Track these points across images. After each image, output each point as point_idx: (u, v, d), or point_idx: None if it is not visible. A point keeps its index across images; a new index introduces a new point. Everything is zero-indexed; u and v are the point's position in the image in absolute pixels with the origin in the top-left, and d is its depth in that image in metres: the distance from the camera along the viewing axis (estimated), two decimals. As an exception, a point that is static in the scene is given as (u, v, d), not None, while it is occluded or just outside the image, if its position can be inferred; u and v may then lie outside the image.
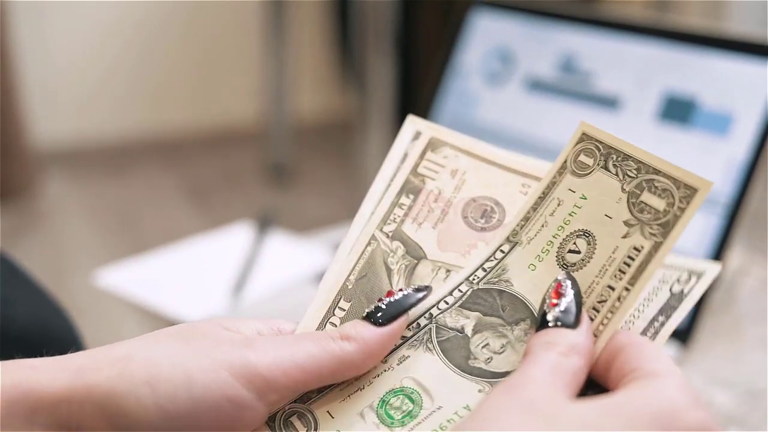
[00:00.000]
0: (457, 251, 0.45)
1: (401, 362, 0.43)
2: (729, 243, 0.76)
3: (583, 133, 0.44)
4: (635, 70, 0.83)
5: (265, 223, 1.30)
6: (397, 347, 0.43)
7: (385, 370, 0.42)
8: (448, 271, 0.44)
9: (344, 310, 0.44)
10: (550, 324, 0.38)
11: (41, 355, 0.39)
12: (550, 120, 0.87)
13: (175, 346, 0.37)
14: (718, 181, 0.77)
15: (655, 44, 0.83)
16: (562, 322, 0.38)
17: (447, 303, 0.44)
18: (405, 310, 0.42)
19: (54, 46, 2.48)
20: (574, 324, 0.38)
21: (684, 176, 0.40)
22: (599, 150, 0.43)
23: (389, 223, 0.46)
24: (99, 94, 2.57)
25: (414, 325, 0.43)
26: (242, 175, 2.35)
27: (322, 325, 0.43)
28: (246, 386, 0.37)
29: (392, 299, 0.42)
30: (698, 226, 0.77)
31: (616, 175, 0.42)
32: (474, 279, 0.44)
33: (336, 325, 0.43)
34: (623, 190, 0.42)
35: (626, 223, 0.41)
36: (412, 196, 0.46)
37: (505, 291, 0.44)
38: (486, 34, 0.94)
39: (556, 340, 0.38)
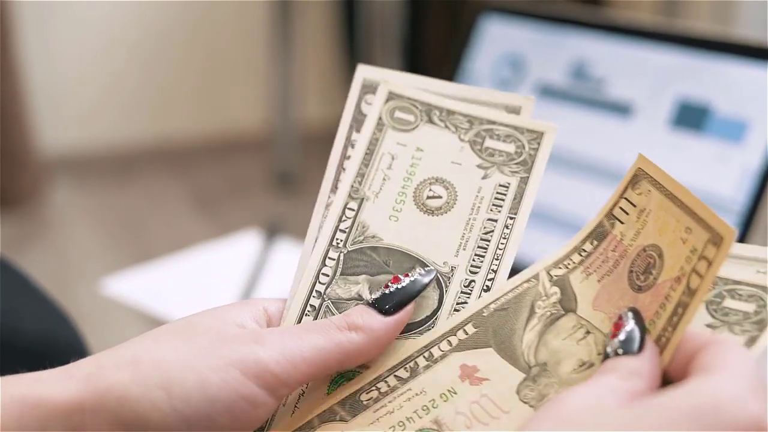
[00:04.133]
0: (607, 313, 0.40)
1: None
2: (743, 251, 0.75)
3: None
4: (648, 77, 0.83)
5: (272, 231, 1.29)
6: None
7: None
8: (588, 332, 0.40)
9: (467, 334, 0.42)
10: (610, 355, 0.37)
11: (47, 367, 0.38)
12: (562, 127, 0.86)
13: (180, 346, 0.37)
14: (732, 188, 0.76)
15: (668, 50, 0.82)
16: (624, 350, 0.37)
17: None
18: (412, 298, 0.41)
19: (59, 54, 2.48)
20: (638, 350, 0.37)
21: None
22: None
23: (560, 267, 0.42)
24: (105, 102, 2.57)
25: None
26: (249, 183, 2.34)
27: (438, 341, 0.42)
28: (258, 384, 0.37)
29: (399, 285, 0.41)
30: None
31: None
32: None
33: (453, 345, 0.42)
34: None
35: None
36: (596, 243, 0.42)
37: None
38: (496, 41, 0.93)
39: (615, 366, 0.36)
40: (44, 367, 0.38)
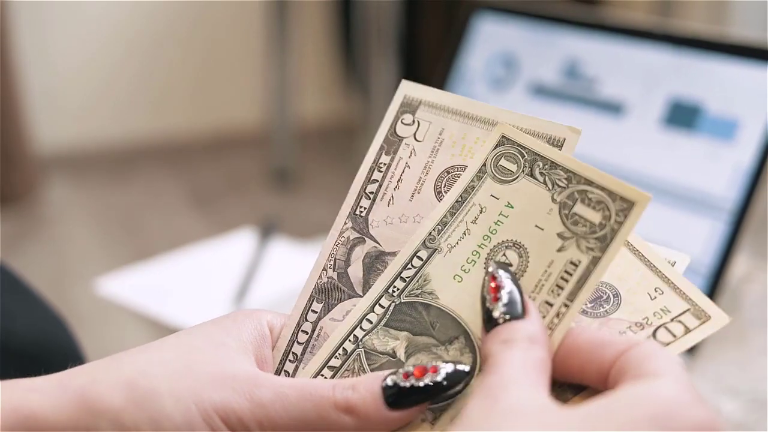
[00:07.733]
0: None
1: None
2: (735, 249, 0.76)
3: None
4: (640, 76, 0.83)
5: (268, 228, 1.29)
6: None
7: None
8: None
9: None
10: (499, 321, 0.37)
11: (41, 370, 0.38)
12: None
13: (177, 379, 0.37)
14: (723, 187, 0.76)
15: (660, 49, 0.82)
16: (511, 315, 0.37)
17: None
18: (428, 399, 0.37)
19: (56, 51, 2.48)
20: (522, 313, 0.37)
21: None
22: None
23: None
24: (101, 99, 2.57)
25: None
26: (245, 179, 2.34)
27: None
28: None
29: (420, 383, 0.37)
30: (704, 233, 0.77)
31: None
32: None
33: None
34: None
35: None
36: None
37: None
38: (490, 39, 0.94)
39: (512, 336, 0.36)
40: (38, 370, 0.38)
